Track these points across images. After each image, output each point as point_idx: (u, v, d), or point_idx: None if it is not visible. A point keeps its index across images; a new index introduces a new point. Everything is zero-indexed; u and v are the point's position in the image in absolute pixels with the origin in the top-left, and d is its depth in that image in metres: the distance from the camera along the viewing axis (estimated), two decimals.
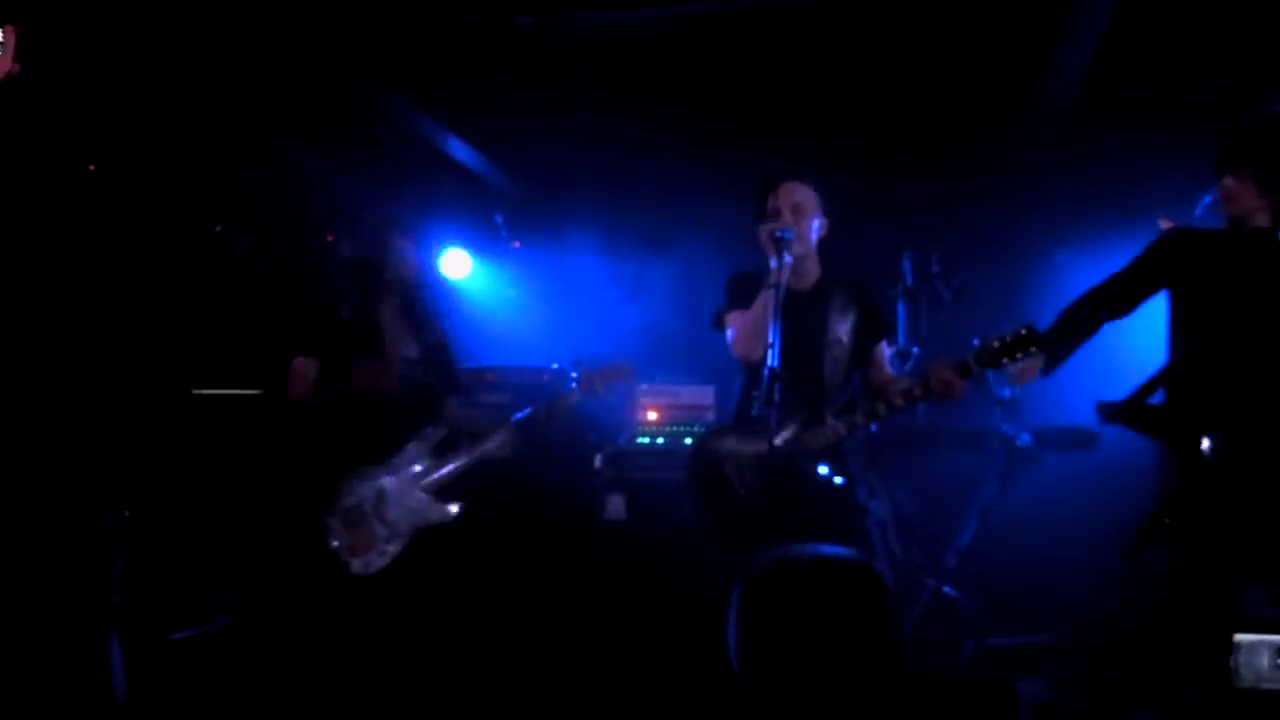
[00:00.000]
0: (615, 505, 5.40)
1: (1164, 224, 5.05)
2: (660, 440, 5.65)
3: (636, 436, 5.68)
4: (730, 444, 3.99)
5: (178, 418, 5.43)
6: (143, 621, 4.55)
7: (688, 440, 5.56)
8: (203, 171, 5.96)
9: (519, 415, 4.26)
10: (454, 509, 4.06)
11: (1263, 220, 3.72)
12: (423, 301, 4.31)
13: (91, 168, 5.34)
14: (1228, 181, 3.73)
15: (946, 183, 6.10)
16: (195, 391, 5.60)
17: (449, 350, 4.39)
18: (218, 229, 5.80)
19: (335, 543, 3.94)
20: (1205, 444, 3.58)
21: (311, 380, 4.08)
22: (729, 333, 4.11)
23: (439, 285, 4.41)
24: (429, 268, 4.31)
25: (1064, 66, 5.13)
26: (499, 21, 5.12)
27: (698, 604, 4.52)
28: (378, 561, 3.92)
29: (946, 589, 5.19)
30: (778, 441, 3.79)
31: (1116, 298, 3.86)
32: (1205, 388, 3.65)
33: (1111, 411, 3.82)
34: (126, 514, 4.16)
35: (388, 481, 4.01)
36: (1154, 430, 3.76)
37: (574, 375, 4.34)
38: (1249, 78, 5.17)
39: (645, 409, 5.73)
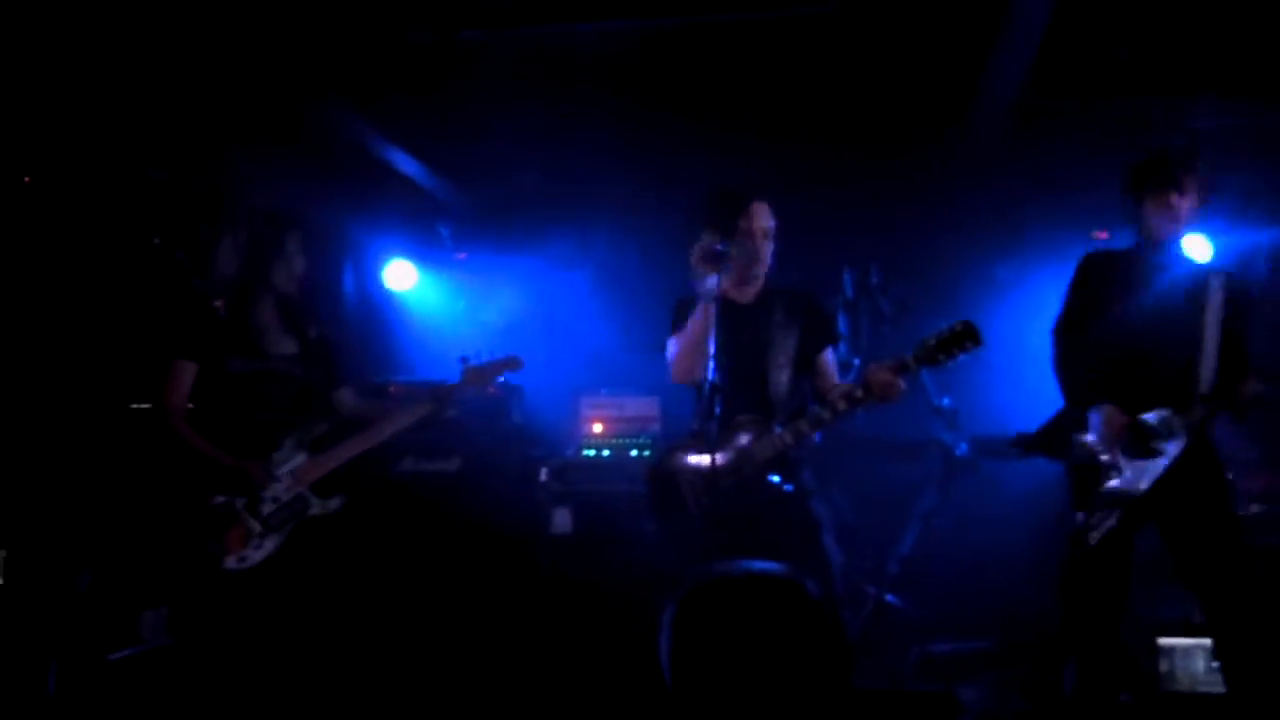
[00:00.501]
0: (561, 519, 5.40)
1: (1099, 235, 5.19)
2: (606, 453, 5.66)
3: (582, 449, 5.68)
4: (683, 460, 4.01)
5: (116, 432, 5.35)
6: (80, 644, 4.49)
7: (634, 453, 5.58)
8: (142, 184, 5.88)
9: (408, 403, 4.33)
10: (335, 502, 4.09)
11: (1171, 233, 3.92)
12: (303, 298, 4.30)
13: (26, 179, 5.25)
14: (1174, 199, 3.87)
15: (886, 197, 6.17)
16: (134, 406, 5.51)
17: (330, 346, 4.38)
18: (156, 241, 5.72)
19: (207, 542, 3.93)
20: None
21: (189, 382, 4.10)
22: (668, 355, 4.15)
23: (325, 283, 4.39)
24: (319, 264, 4.31)
25: (997, 82, 5.22)
26: (443, 35, 5.11)
27: (645, 618, 4.53)
28: (254, 556, 3.92)
29: (889, 597, 5.25)
30: (726, 454, 3.84)
31: (1083, 325, 3.96)
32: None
33: (1026, 442, 3.96)
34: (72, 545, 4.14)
35: (258, 470, 4.01)
36: (1062, 454, 3.89)
37: (459, 370, 4.43)
38: (1175, 91, 5.30)
39: (590, 421, 5.74)
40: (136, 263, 5.73)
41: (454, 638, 5.04)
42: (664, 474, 4.07)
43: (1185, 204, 3.87)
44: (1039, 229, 5.67)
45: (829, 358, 4.16)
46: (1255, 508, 5.05)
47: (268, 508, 3.99)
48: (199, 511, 3.97)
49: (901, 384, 3.75)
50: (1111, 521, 3.68)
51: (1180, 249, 3.97)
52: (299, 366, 4.20)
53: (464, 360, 4.44)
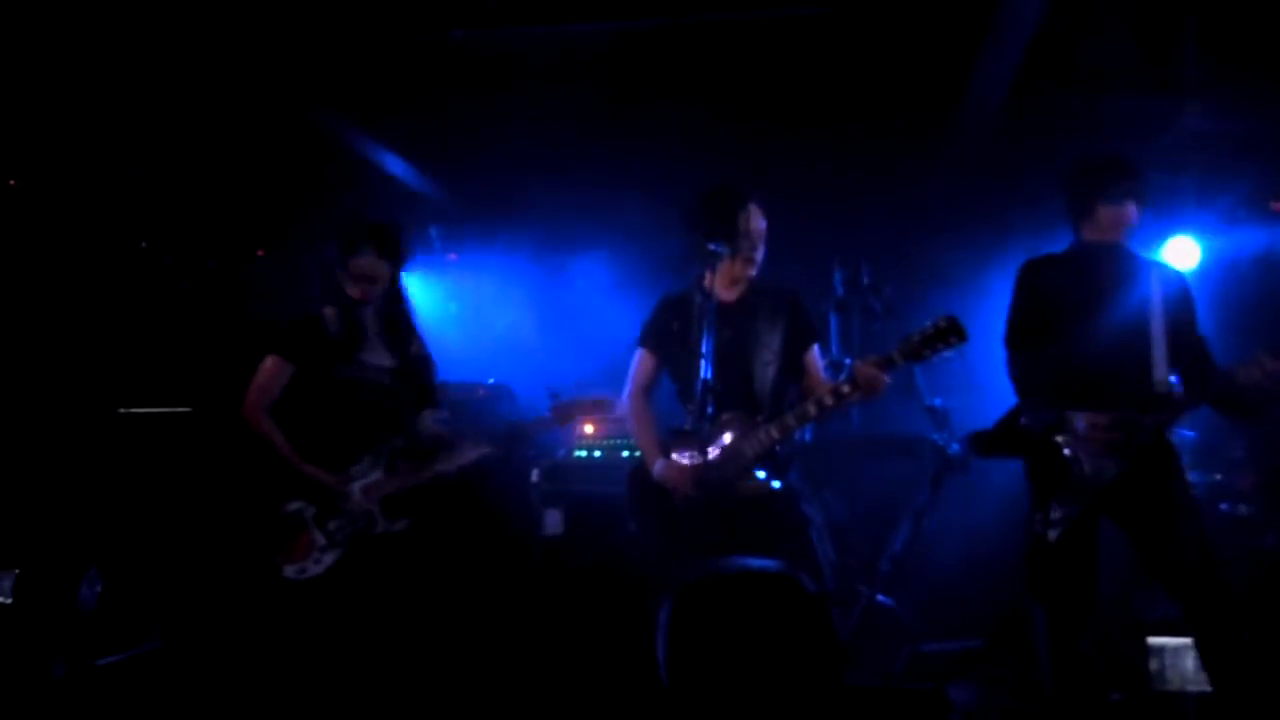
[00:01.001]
0: (553, 520, 5.39)
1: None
2: (597, 454, 5.64)
3: (573, 450, 5.67)
4: (669, 458, 4.03)
5: (104, 437, 5.33)
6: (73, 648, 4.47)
7: (625, 453, 5.56)
8: (129, 187, 5.86)
9: (491, 434, 4.21)
10: (401, 523, 4.02)
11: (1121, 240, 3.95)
12: (404, 312, 4.22)
13: (12, 183, 5.23)
14: (1131, 209, 3.91)
15: (877, 196, 6.19)
16: (122, 410, 5.49)
17: (428, 363, 4.29)
18: (144, 245, 5.70)
19: (271, 546, 3.91)
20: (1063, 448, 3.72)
21: (282, 382, 4.03)
22: (625, 389, 4.25)
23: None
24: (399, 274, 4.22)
25: (987, 83, 5.24)
26: (433, 36, 5.11)
27: (636, 618, 4.53)
28: (313, 569, 3.88)
29: (880, 597, 5.26)
30: (713, 452, 3.85)
31: (1034, 338, 3.95)
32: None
33: (981, 440, 3.98)
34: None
35: (340, 486, 3.96)
36: (1021, 451, 3.89)
37: (550, 403, 4.27)
38: (1165, 93, 5.33)
39: (583, 422, 5.72)
40: (124, 267, 5.72)
41: (447, 639, 5.03)
42: (647, 475, 4.08)
43: (1138, 214, 3.92)
44: (1029, 228, 5.68)
45: (815, 355, 4.19)
46: (1243, 509, 5.07)
47: (335, 522, 3.94)
48: (270, 516, 3.93)
49: (887, 379, 3.78)
50: (1071, 512, 3.68)
51: (1121, 249, 3.95)
52: (392, 379, 4.11)
53: (553, 396, 4.27)
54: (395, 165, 6.53)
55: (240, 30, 4.87)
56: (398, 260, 4.15)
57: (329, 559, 3.90)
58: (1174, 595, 3.73)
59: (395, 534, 4.01)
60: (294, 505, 3.93)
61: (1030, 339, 3.94)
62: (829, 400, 3.83)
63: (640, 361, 4.28)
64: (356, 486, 3.98)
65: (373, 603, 3.93)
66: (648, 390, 4.28)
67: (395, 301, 4.17)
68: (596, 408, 4.32)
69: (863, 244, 6.10)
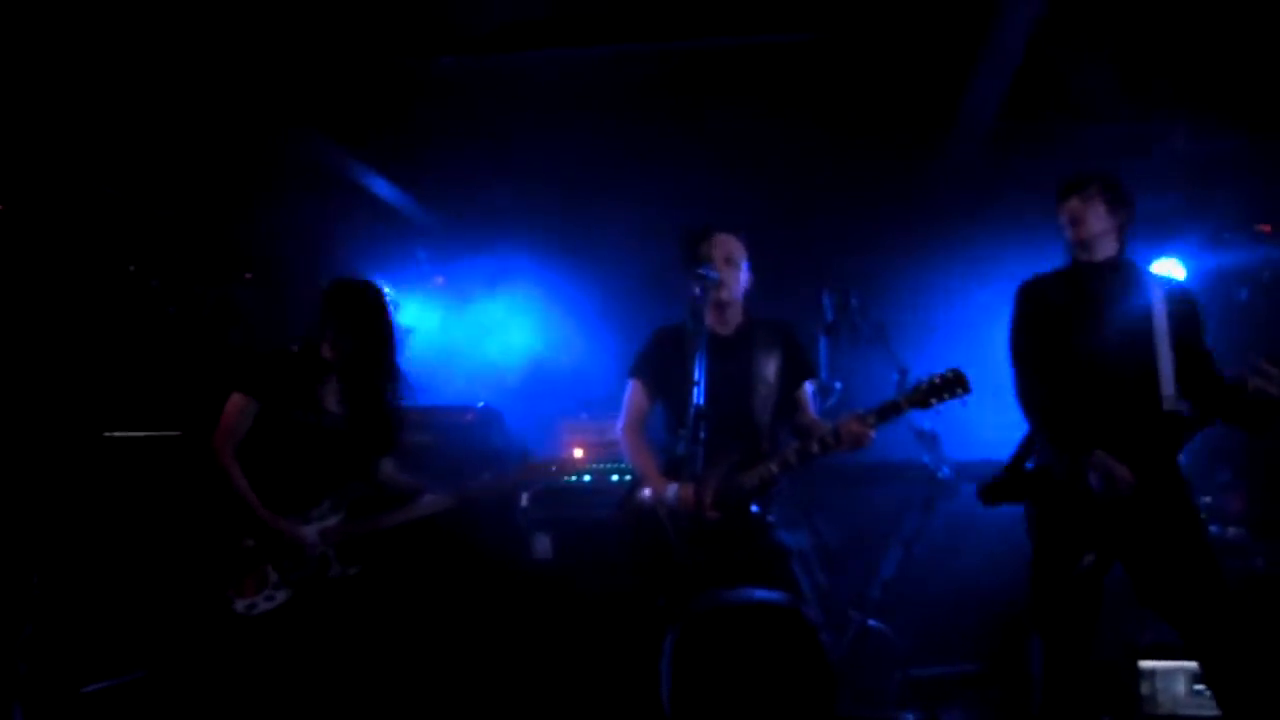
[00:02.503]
0: (542, 544, 5.36)
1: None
2: (586, 478, 5.61)
3: (563, 475, 5.64)
4: (662, 488, 4.03)
5: (90, 461, 5.28)
6: (52, 678, 4.41)
7: (614, 477, 5.54)
8: (117, 211, 5.83)
9: (455, 490, 4.24)
10: (354, 569, 4.04)
11: (1110, 247, 3.87)
12: (375, 365, 4.17)
13: (0, 207, 5.20)
14: (1073, 203, 3.85)
15: (866, 220, 6.21)
16: (108, 434, 5.44)
17: (390, 415, 4.26)
18: (132, 269, 5.67)
19: (226, 581, 3.89)
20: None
21: (247, 422, 4.01)
22: (620, 421, 4.28)
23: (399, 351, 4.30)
24: (386, 339, 4.21)
25: (976, 108, 5.27)
26: (421, 61, 5.12)
27: (627, 644, 4.51)
28: (263, 605, 3.88)
29: (872, 622, 5.24)
30: (712, 483, 3.86)
31: (1038, 359, 3.92)
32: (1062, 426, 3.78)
33: (991, 490, 3.97)
34: (36, 580, 4.05)
35: (294, 530, 3.96)
36: (1034, 494, 3.89)
37: (520, 464, 4.43)
38: (1152, 118, 5.37)
39: (571, 446, 5.69)
40: (112, 290, 5.69)
41: (435, 665, 5.00)
42: (639, 504, 4.10)
43: (1086, 209, 3.83)
44: (1017, 253, 5.70)
45: (808, 390, 4.26)
46: (1232, 531, 5.08)
47: (290, 562, 3.94)
48: (228, 550, 3.92)
49: (871, 434, 3.88)
50: (1092, 557, 3.67)
51: (1118, 264, 3.91)
52: (352, 427, 4.11)
53: (524, 455, 4.47)
54: (383, 189, 6.53)
55: (229, 54, 4.86)
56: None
57: (280, 597, 3.90)
58: (1180, 630, 3.69)
59: (348, 578, 4.03)
60: (251, 541, 3.93)
61: (1034, 360, 3.91)
62: (815, 449, 3.93)
63: (634, 393, 4.30)
64: (313, 529, 3.99)
65: (320, 646, 3.93)
66: (642, 421, 4.30)
67: (365, 356, 4.14)
68: (563, 468, 4.48)
69: (851, 269, 6.13)
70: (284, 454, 4.02)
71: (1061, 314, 3.87)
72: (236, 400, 4.01)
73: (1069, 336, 3.83)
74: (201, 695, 3.90)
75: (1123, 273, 3.90)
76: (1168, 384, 3.71)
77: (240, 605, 3.87)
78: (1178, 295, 3.89)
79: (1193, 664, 4.46)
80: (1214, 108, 5.22)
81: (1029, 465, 3.94)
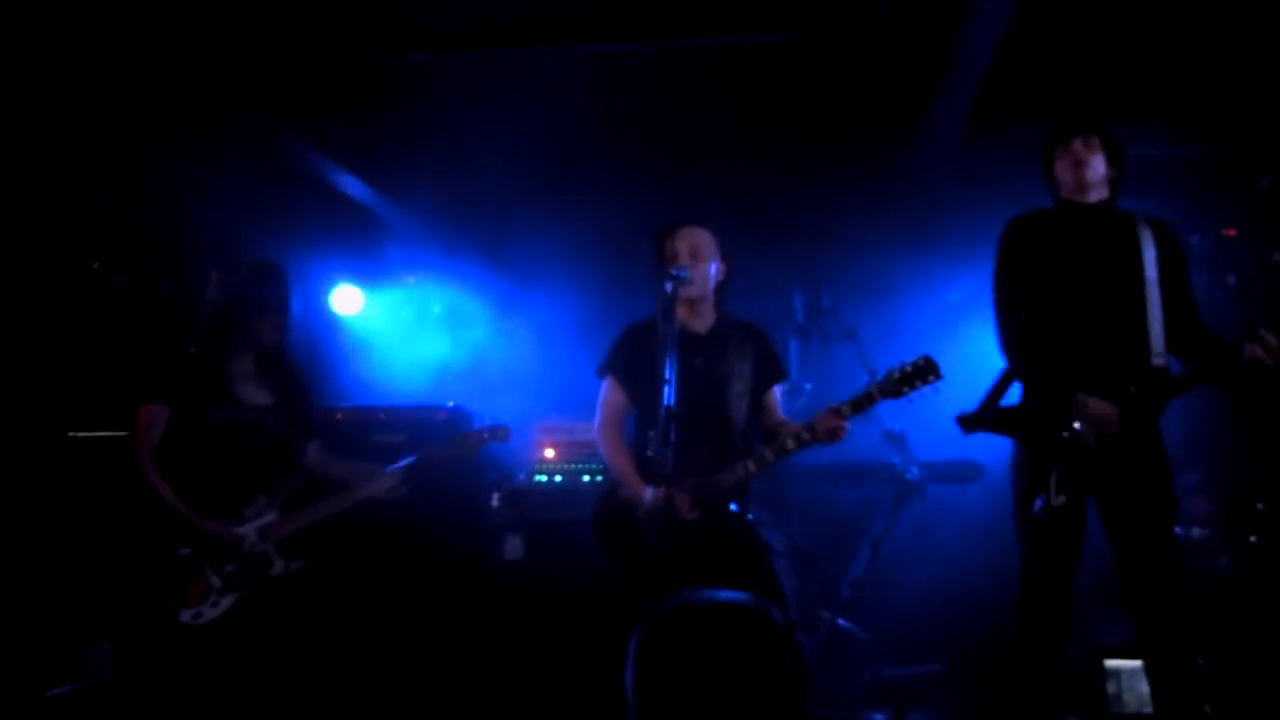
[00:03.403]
0: (513, 545, 5.34)
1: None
2: (558, 478, 5.60)
3: (534, 474, 5.63)
4: (640, 489, 3.99)
5: (53, 461, 5.22)
6: (15, 680, 4.35)
7: (586, 478, 5.53)
8: (81, 208, 5.76)
9: (393, 466, 4.19)
10: (297, 563, 3.99)
11: (1103, 193, 3.89)
12: (283, 350, 4.18)
13: None
14: (1078, 145, 3.87)
15: (837, 221, 6.22)
16: (72, 434, 5.38)
17: (307, 399, 4.26)
18: (95, 266, 5.60)
19: (167, 593, 3.83)
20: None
21: (159, 428, 3.95)
22: (598, 415, 4.25)
23: (305, 330, 4.25)
24: (299, 313, 4.18)
25: (948, 110, 5.30)
26: (395, 58, 5.09)
27: (600, 645, 4.50)
28: (209, 613, 3.82)
29: (841, 621, 5.26)
30: (689, 483, 3.85)
31: (1015, 299, 3.89)
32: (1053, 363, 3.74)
33: (970, 420, 3.94)
34: None
35: (228, 533, 3.90)
36: (1011, 430, 3.87)
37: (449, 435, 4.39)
38: (1120, 122, 5.41)
39: (543, 446, 5.68)
40: (75, 288, 5.61)
41: (404, 668, 4.96)
42: (616, 506, 4.08)
43: (1090, 154, 3.86)
44: (987, 253, 5.74)
45: (776, 393, 4.28)
46: (1197, 533, 5.12)
47: (231, 565, 3.88)
48: (163, 562, 3.86)
49: (847, 427, 3.88)
50: (1063, 498, 3.64)
51: (1110, 209, 3.90)
52: (273, 418, 4.06)
53: (461, 432, 4.38)
54: (353, 187, 6.48)
55: (196, 48, 4.82)
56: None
57: (226, 602, 3.85)
58: (1132, 604, 3.72)
59: (293, 574, 3.98)
60: (186, 550, 3.87)
61: (1018, 303, 3.86)
62: (791, 445, 3.92)
63: (609, 392, 4.27)
64: (251, 529, 3.93)
65: (273, 646, 3.89)
66: (619, 420, 4.27)
67: (272, 340, 4.12)
68: (495, 435, 4.38)
69: (823, 269, 6.15)
70: (206, 455, 3.95)
71: (1051, 255, 3.83)
72: (147, 410, 3.94)
73: (1058, 278, 3.80)
74: (156, 707, 3.82)
75: (1115, 218, 3.89)
76: (1157, 339, 3.70)
77: (185, 615, 3.81)
78: (1167, 235, 3.88)
79: None
80: (1182, 113, 5.28)
81: (1005, 403, 3.91)
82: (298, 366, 4.24)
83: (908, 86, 5.23)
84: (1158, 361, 3.70)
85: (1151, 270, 3.74)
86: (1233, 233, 5.83)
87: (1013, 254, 3.92)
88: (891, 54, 5.04)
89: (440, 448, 4.32)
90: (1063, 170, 3.91)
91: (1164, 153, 5.60)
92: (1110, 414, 3.63)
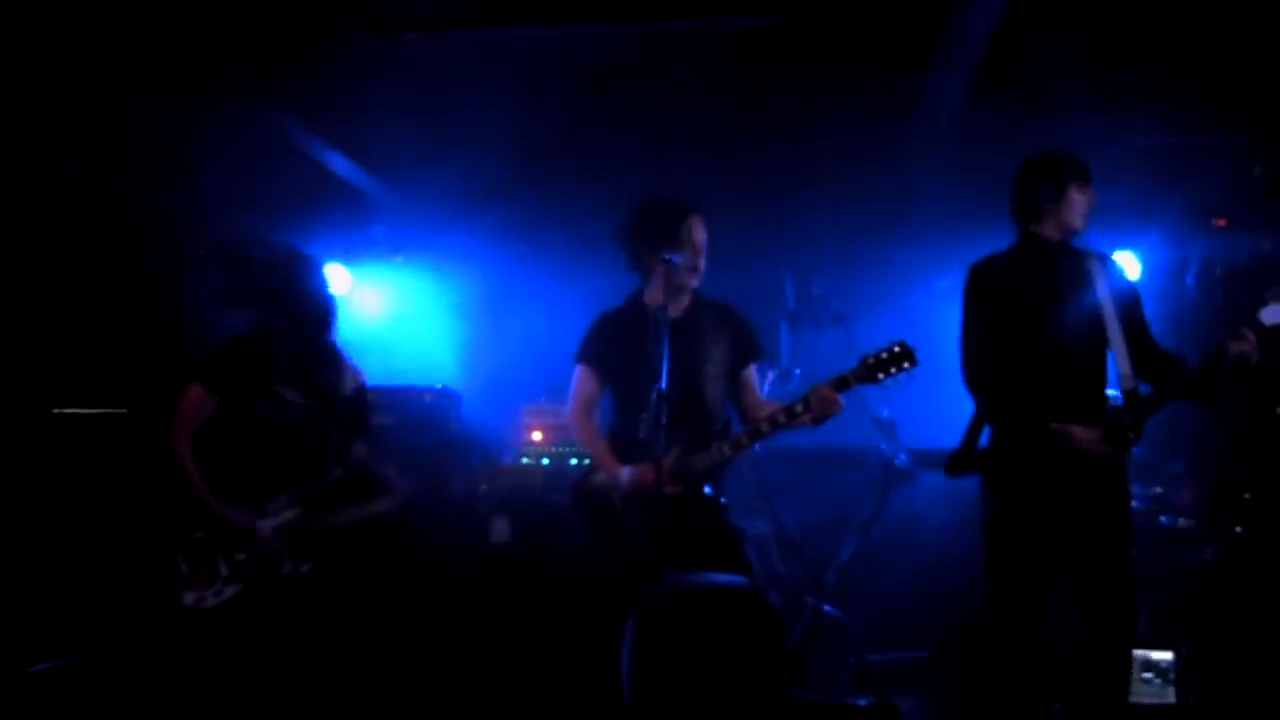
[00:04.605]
0: (500, 528, 5.33)
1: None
2: (545, 461, 5.60)
3: (521, 457, 5.62)
4: (616, 471, 4.00)
5: (39, 438, 5.18)
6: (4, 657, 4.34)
7: (573, 461, 5.53)
8: (67, 185, 5.71)
9: (412, 487, 4.22)
10: (306, 566, 3.98)
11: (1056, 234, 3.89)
12: (331, 346, 4.13)
13: None
14: (1092, 192, 3.87)
15: (828, 208, 6.21)
16: (57, 410, 5.34)
17: (359, 397, 4.20)
18: (83, 244, 5.56)
19: (175, 573, 3.82)
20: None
21: (206, 413, 3.94)
22: (569, 406, 4.24)
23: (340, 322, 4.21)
24: (331, 310, 4.13)
25: (940, 96, 5.29)
26: (383, 37, 5.05)
27: (586, 628, 4.50)
28: (211, 600, 3.81)
29: (827, 607, 5.27)
30: (665, 465, 3.84)
31: (989, 347, 3.88)
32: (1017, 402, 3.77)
33: (955, 464, 3.97)
34: None
35: (247, 524, 3.90)
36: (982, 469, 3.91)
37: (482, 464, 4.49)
38: (1114, 109, 5.41)
39: (530, 429, 5.68)
40: (60, 265, 5.57)
41: (392, 649, 4.95)
42: (592, 489, 4.08)
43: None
44: (978, 240, 5.73)
45: (753, 372, 4.26)
46: (1183, 522, 5.14)
47: (242, 555, 3.87)
48: (177, 541, 3.84)
49: (840, 401, 3.86)
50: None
51: (1069, 246, 3.91)
52: (314, 416, 4.03)
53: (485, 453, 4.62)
54: (341, 165, 6.44)
55: (182, 20, 4.77)
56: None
57: (229, 592, 3.84)
58: (1084, 614, 3.77)
59: (300, 575, 3.97)
60: (201, 533, 3.86)
61: (988, 344, 3.87)
62: (782, 419, 3.91)
63: (581, 378, 4.25)
64: (268, 524, 3.92)
65: (269, 643, 3.87)
66: (591, 407, 4.26)
67: (318, 336, 4.09)
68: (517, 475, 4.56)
69: (814, 255, 6.14)
70: (243, 447, 3.94)
71: (1018, 298, 3.83)
72: (196, 392, 3.93)
73: (1025, 321, 3.81)
74: (146, 686, 3.81)
75: (1073, 254, 3.91)
76: (1124, 363, 3.74)
77: (189, 598, 3.80)
78: (1117, 273, 3.95)
79: (1141, 651, 4.53)
80: (1175, 102, 5.27)
81: (989, 441, 3.93)
82: (349, 363, 4.18)
83: (901, 72, 5.21)
84: (1128, 386, 3.75)
85: (1108, 302, 3.79)
86: (1222, 222, 5.84)
87: (980, 298, 3.91)
88: (885, 38, 5.02)
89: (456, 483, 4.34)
90: (1078, 208, 3.85)
91: (1154, 141, 5.61)
92: (1095, 436, 3.66)
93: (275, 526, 3.93)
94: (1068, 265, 3.88)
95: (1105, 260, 3.95)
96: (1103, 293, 3.81)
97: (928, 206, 6.09)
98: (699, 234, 4.08)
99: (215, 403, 3.94)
